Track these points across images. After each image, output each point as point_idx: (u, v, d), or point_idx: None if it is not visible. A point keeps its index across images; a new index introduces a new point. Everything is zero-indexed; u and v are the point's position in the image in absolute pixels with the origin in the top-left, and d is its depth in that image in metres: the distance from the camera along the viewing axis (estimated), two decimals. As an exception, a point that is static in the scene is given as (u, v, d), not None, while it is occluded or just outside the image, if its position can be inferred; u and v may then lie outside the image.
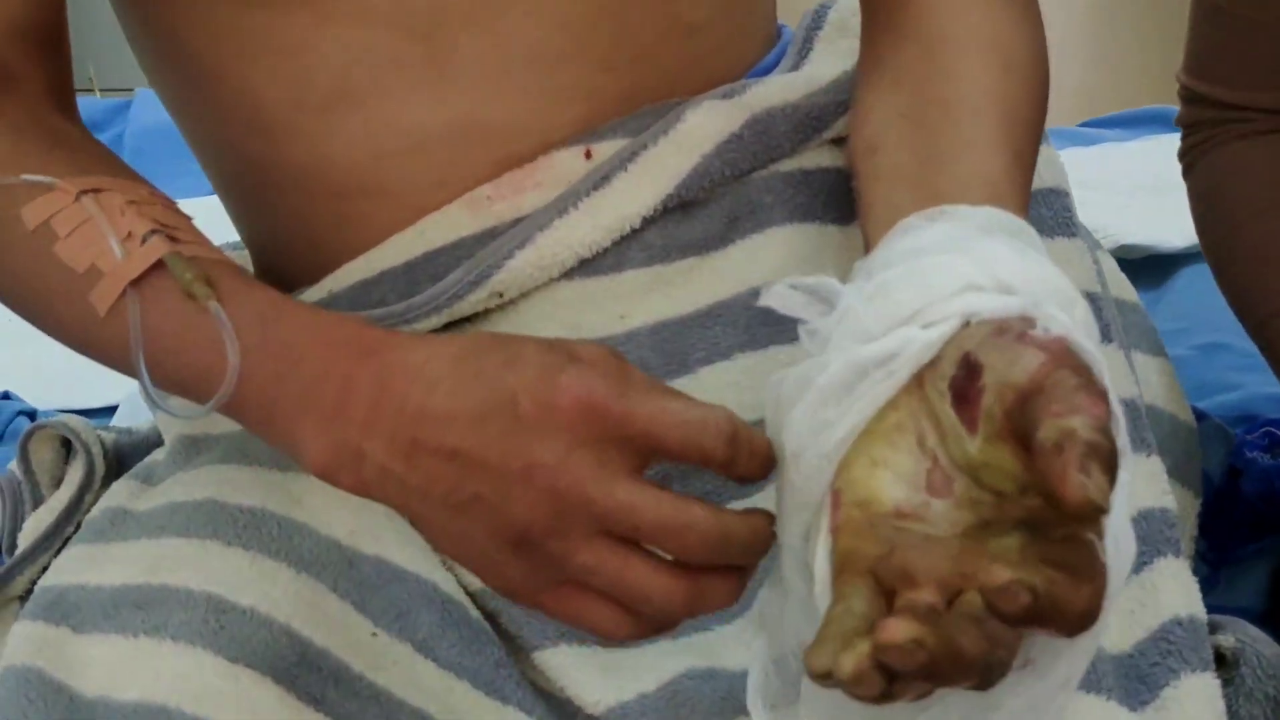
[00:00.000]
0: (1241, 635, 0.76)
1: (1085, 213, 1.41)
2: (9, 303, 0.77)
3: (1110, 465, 0.50)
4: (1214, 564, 0.97)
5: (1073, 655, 0.54)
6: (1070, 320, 0.56)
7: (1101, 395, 0.52)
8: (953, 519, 0.55)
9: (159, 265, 0.69)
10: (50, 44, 0.79)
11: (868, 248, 0.69)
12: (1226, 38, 0.91)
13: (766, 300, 0.62)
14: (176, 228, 0.71)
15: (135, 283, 0.69)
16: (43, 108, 0.78)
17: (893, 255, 0.62)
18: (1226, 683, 0.75)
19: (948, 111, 0.73)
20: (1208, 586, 0.93)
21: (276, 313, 0.68)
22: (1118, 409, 0.53)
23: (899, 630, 0.48)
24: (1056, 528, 0.52)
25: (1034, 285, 0.58)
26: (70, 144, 0.77)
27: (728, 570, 0.60)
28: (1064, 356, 0.54)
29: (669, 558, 0.60)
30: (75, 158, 0.74)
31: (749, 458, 0.59)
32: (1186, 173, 0.96)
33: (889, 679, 0.49)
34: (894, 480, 0.56)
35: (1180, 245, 1.42)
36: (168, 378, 0.69)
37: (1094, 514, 0.50)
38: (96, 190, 0.71)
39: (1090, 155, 1.73)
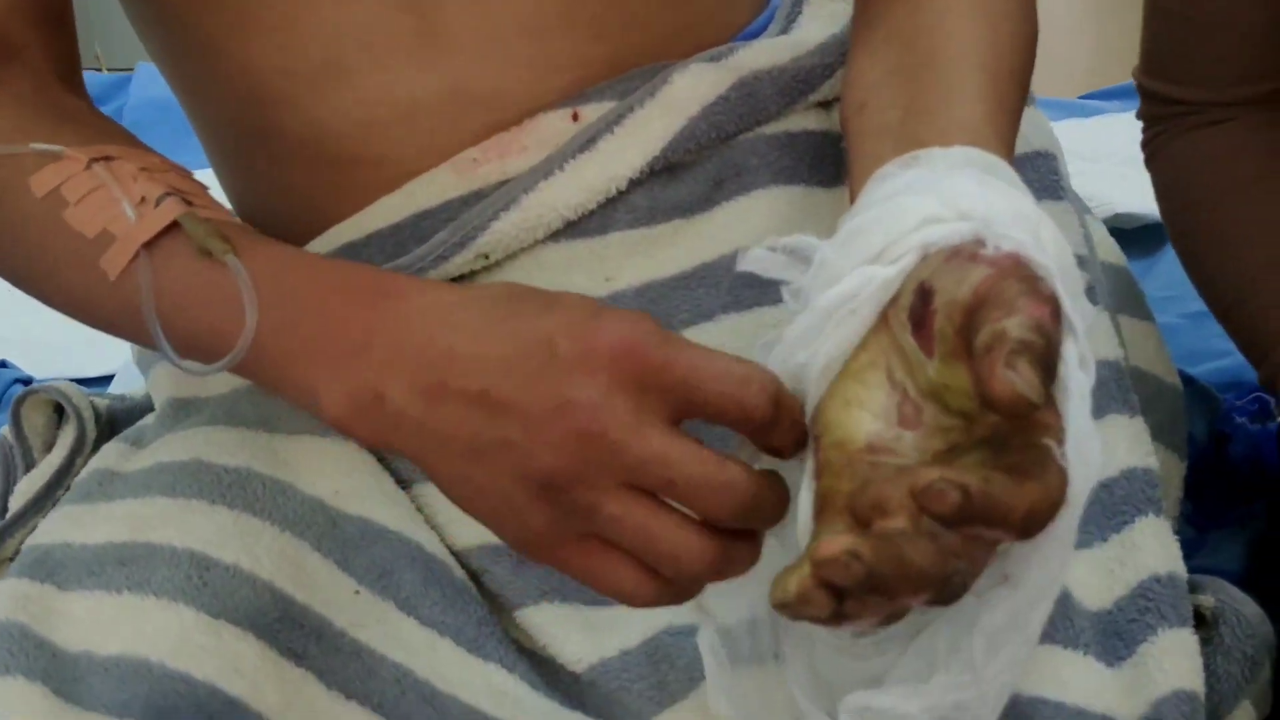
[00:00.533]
0: (1222, 595, 0.77)
1: (1082, 182, 1.41)
2: (13, 275, 0.77)
3: (1043, 361, 0.50)
4: (1200, 527, 0.98)
5: (1044, 564, 0.54)
6: (1031, 239, 0.56)
7: (1045, 299, 0.52)
8: (923, 447, 0.56)
9: (170, 229, 0.69)
10: (54, 19, 0.80)
11: (852, 199, 0.69)
12: (1174, 37, 0.94)
13: (745, 265, 0.62)
14: (189, 192, 0.71)
15: (147, 246, 0.68)
16: (49, 83, 0.79)
17: (867, 202, 0.63)
18: (1206, 641, 0.75)
19: (933, 65, 0.73)
20: (1193, 549, 0.95)
21: (292, 264, 0.68)
22: (1072, 314, 0.53)
23: (834, 544, 0.49)
24: (1015, 439, 0.53)
25: (993, 210, 0.58)
26: (78, 118, 0.77)
27: (750, 534, 0.58)
28: (1011, 269, 0.54)
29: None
30: (83, 131, 0.74)
31: (790, 425, 0.57)
32: (1148, 164, 0.98)
33: (837, 598, 0.49)
34: (868, 417, 0.57)
35: (1171, 214, 1.42)
36: (179, 338, 0.69)
37: (1025, 408, 0.50)
38: (107, 158, 0.71)
39: (1089, 127, 1.73)
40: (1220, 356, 1.17)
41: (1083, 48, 2.76)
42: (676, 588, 0.58)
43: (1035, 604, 0.55)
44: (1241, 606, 0.76)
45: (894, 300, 0.57)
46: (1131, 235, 1.42)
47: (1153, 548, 0.74)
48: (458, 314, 0.60)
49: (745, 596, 0.60)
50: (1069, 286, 0.55)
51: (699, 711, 0.70)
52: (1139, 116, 0.99)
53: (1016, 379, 0.49)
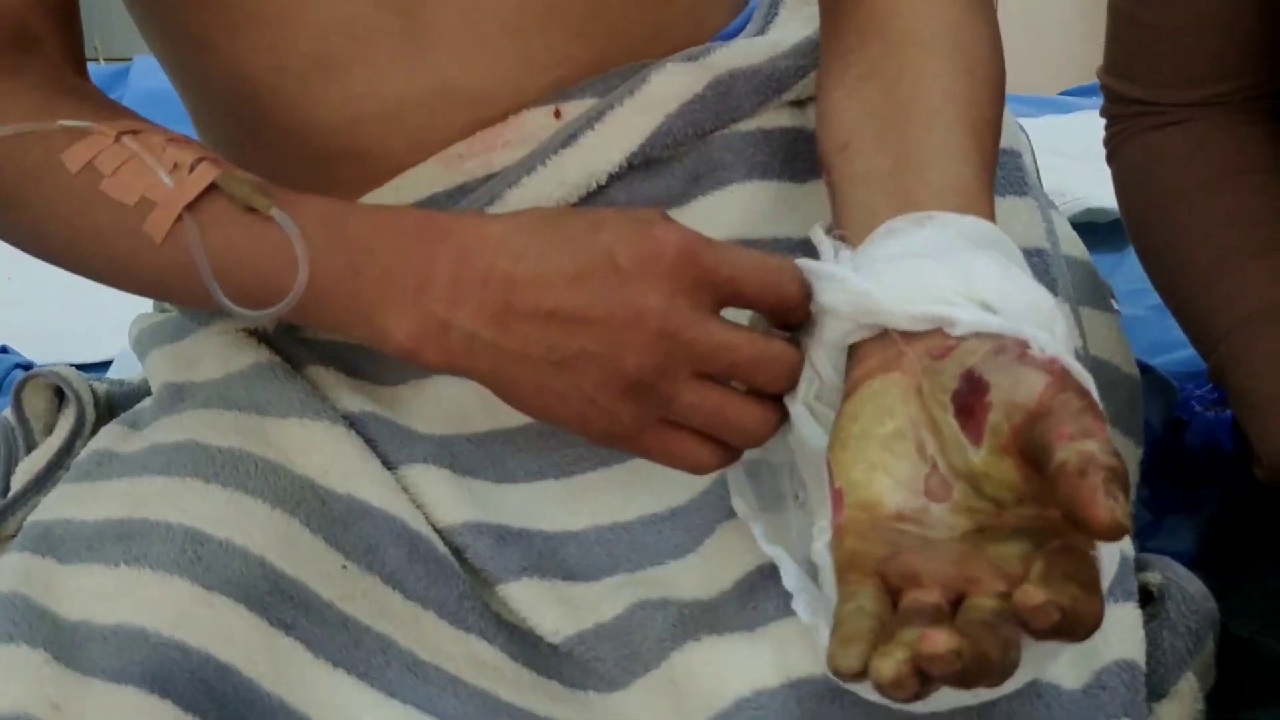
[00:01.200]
0: (1168, 573, 0.79)
1: (1057, 177, 1.44)
2: (50, 249, 0.80)
3: (1126, 488, 0.53)
4: (1156, 511, 1.00)
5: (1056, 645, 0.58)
6: (1054, 341, 0.60)
7: (1103, 418, 0.56)
8: (950, 523, 0.59)
9: (209, 190, 0.72)
10: (66, 11, 0.82)
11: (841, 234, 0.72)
12: (1135, 40, 0.96)
13: (815, 237, 0.70)
14: (217, 160, 0.74)
15: (189, 207, 0.72)
16: (65, 70, 0.81)
17: (881, 255, 0.67)
18: (1153, 617, 0.77)
19: (918, 115, 0.75)
20: (1150, 533, 0.97)
21: (340, 212, 0.72)
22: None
23: (941, 642, 0.52)
24: (1051, 538, 0.56)
25: (1012, 302, 0.62)
26: (96, 100, 0.79)
27: (778, 399, 0.67)
28: (1065, 379, 0.58)
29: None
30: (103, 111, 0.77)
31: (804, 305, 0.66)
32: (1109, 160, 1.00)
33: (923, 681, 0.52)
34: (894, 485, 0.60)
35: (1142, 210, 1.44)
36: (233, 294, 0.73)
37: (1120, 535, 0.53)
38: (134, 131, 0.74)
39: (1066, 123, 1.76)
40: (1184, 347, 1.16)
41: (1063, 46, 2.78)
42: (736, 453, 0.68)
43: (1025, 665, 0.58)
44: (1187, 584, 0.78)
45: (931, 377, 0.61)
46: (1104, 230, 1.44)
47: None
48: (512, 240, 0.67)
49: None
50: None
51: (668, 681, 0.72)
52: (1102, 114, 1.01)
53: (1116, 508, 0.52)
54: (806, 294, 0.66)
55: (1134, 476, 0.92)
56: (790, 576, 0.67)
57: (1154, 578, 0.79)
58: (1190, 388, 1.08)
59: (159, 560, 0.73)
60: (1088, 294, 0.93)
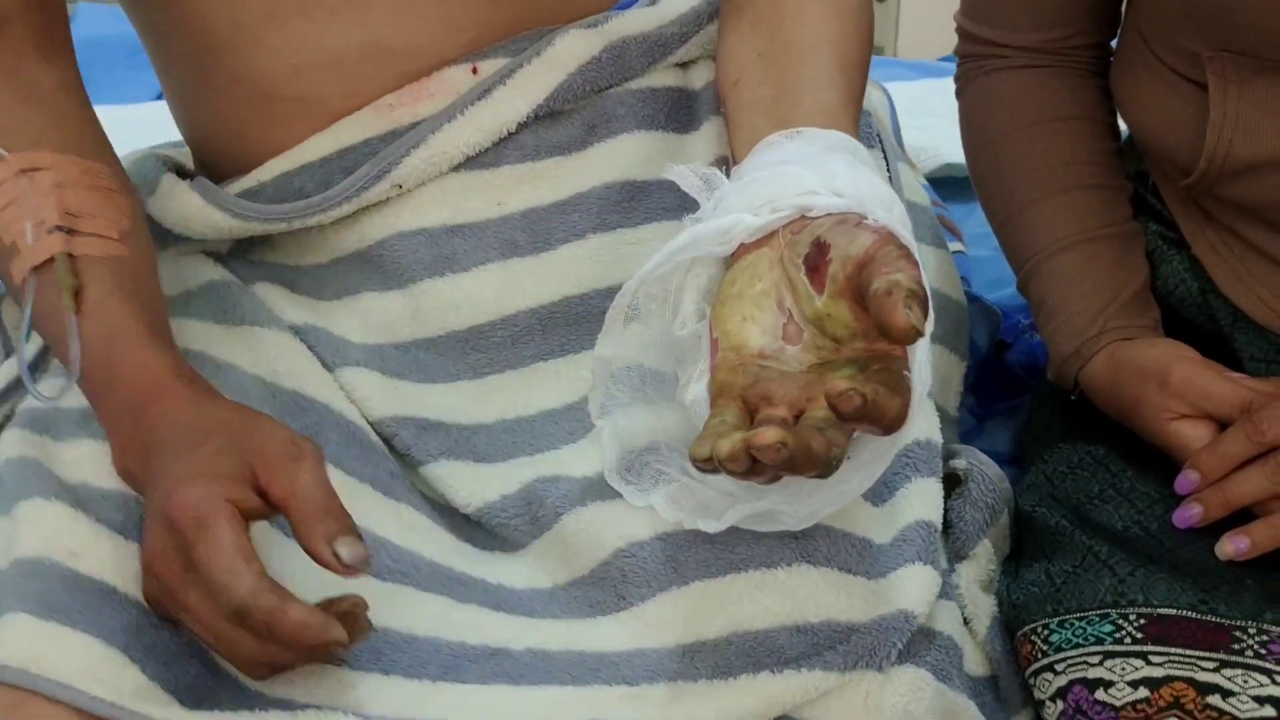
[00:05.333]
0: (972, 459, 0.93)
1: (925, 135, 1.56)
2: None
3: (925, 305, 0.66)
4: (979, 417, 1.13)
5: (877, 449, 0.73)
6: (890, 216, 0.73)
7: (916, 264, 0.69)
8: (801, 359, 0.73)
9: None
10: None
11: (734, 158, 0.86)
12: None
13: (670, 175, 0.79)
14: (91, 215, 0.84)
15: (36, 268, 0.82)
16: (26, 57, 0.88)
17: (760, 163, 0.80)
18: (959, 495, 0.91)
19: (796, 54, 0.89)
20: (973, 435, 1.11)
21: (122, 337, 0.82)
22: (926, 282, 0.70)
23: (769, 434, 0.65)
24: (876, 363, 0.70)
25: (861, 191, 0.75)
26: (41, 99, 0.87)
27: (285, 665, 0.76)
28: (890, 237, 0.71)
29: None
30: (42, 115, 0.86)
31: (264, 630, 0.72)
32: (958, 95, 1.10)
33: (753, 462, 0.66)
34: (759, 331, 0.74)
35: (996, 164, 1.55)
36: (55, 347, 0.84)
37: (915, 337, 0.65)
38: (34, 169, 0.83)
39: (940, 86, 1.84)
40: None
41: (945, 16, 2.87)
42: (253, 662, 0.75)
43: (859, 470, 0.73)
44: (985, 468, 0.92)
45: (790, 246, 0.74)
46: (962, 182, 1.52)
47: (918, 420, 0.87)
48: (168, 446, 0.77)
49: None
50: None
51: (560, 540, 0.84)
52: (955, 53, 1.10)
53: (911, 315, 0.65)
54: (239, 613, 0.72)
55: (959, 386, 1.06)
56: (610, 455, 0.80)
57: (960, 463, 0.92)
58: (1019, 316, 1.20)
59: None
60: (924, 232, 1.06)
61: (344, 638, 0.72)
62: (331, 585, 0.77)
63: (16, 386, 0.95)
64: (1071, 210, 1.01)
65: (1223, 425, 0.90)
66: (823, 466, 0.67)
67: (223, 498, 0.73)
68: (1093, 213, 1.01)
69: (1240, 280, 0.98)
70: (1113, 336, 0.96)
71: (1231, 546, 0.86)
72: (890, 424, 0.67)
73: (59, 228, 0.82)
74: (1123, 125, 1.07)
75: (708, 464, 0.67)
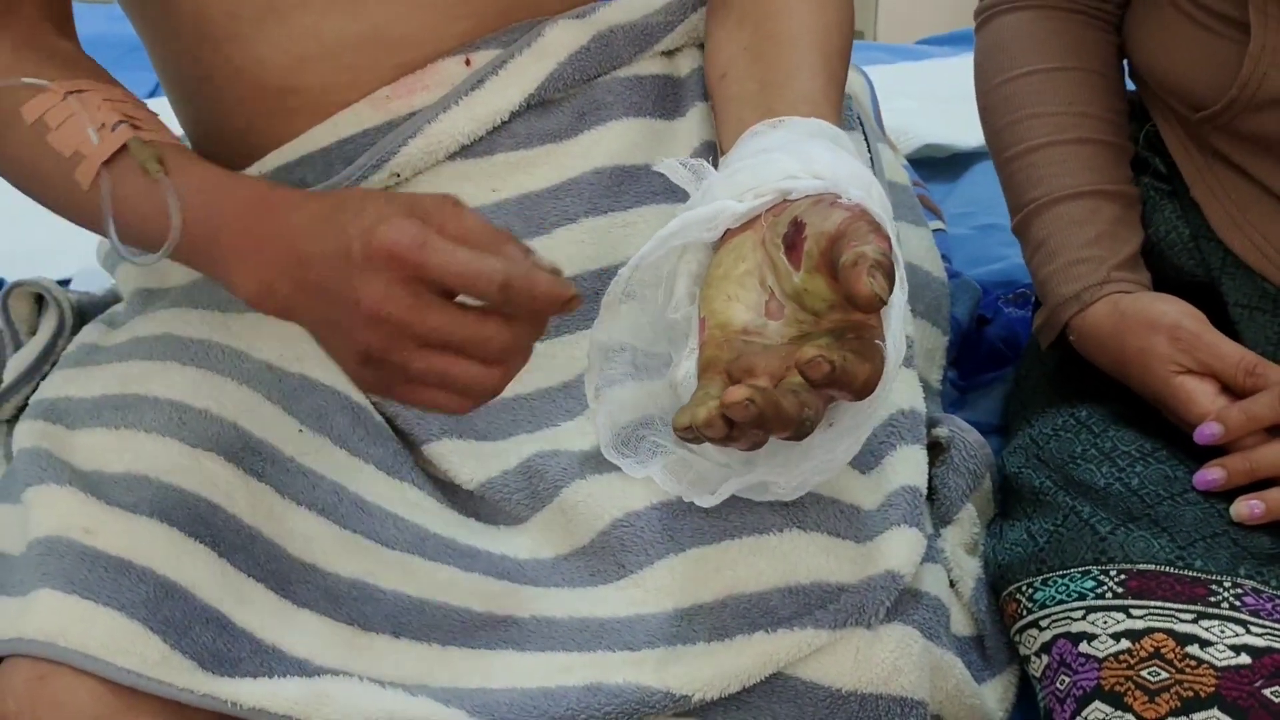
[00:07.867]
0: (954, 428, 0.96)
1: (904, 117, 1.60)
2: (18, 184, 0.91)
3: (890, 275, 0.68)
4: (962, 389, 1.16)
5: (857, 415, 0.75)
6: (865, 195, 0.76)
7: (886, 238, 0.71)
8: (782, 334, 0.76)
9: (125, 148, 0.83)
10: None
11: (722, 149, 0.89)
12: None
13: (660, 168, 0.82)
14: (140, 119, 0.85)
15: (107, 163, 0.82)
16: (41, 28, 0.91)
17: (745, 151, 0.82)
18: (943, 463, 0.94)
19: (779, 46, 0.92)
20: (956, 406, 1.14)
21: (215, 183, 0.83)
22: (898, 252, 0.72)
23: (737, 392, 0.68)
24: (849, 333, 0.72)
25: (839, 173, 0.78)
26: (63, 57, 0.90)
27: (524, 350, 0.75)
28: (861, 214, 0.73)
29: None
30: (65, 68, 0.88)
31: (527, 300, 0.70)
32: (977, 31, 1.10)
33: (730, 426, 0.68)
34: (744, 309, 0.77)
35: (974, 145, 1.57)
36: (133, 236, 0.84)
37: (878, 306, 0.68)
38: (80, 90, 0.85)
39: (917, 69, 1.89)
40: (998, 260, 1.34)
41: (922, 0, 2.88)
42: (483, 397, 0.75)
43: (842, 437, 0.76)
44: (967, 435, 0.95)
45: (771, 229, 0.77)
46: (941, 162, 1.59)
47: (901, 389, 0.92)
48: (312, 226, 0.75)
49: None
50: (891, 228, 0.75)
51: (560, 513, 0.86)
52: None
53: (874, 284, 0.67)
54: (504, 294, 0.70)
55: (941, 360, 1.08)
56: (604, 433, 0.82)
57: (943, 432, 0.95)
58: (1001, 292, 1.23)
59: (151, 425, 0.85)
60: (905, 211, 1.09)
61: (579, 291, 0.72)
62: (336, 543, 0.78)
63: (28, 378, 0.99)
64: (1083, 161, 1.02)
65: (1225, 386, 0.92)
66: (795, 426, 0.69)
67: (417, 225, 0.71)
68: (1103, 167, 1.02)
69: (1235, 225, 1.00)
70: (1116, 287, 0.98)
71: (1246, 509, 0.89)
72: (860, 389, 0.69)
73: (122, 122, 0.83)
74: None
75: (689, 433, 0.70)
